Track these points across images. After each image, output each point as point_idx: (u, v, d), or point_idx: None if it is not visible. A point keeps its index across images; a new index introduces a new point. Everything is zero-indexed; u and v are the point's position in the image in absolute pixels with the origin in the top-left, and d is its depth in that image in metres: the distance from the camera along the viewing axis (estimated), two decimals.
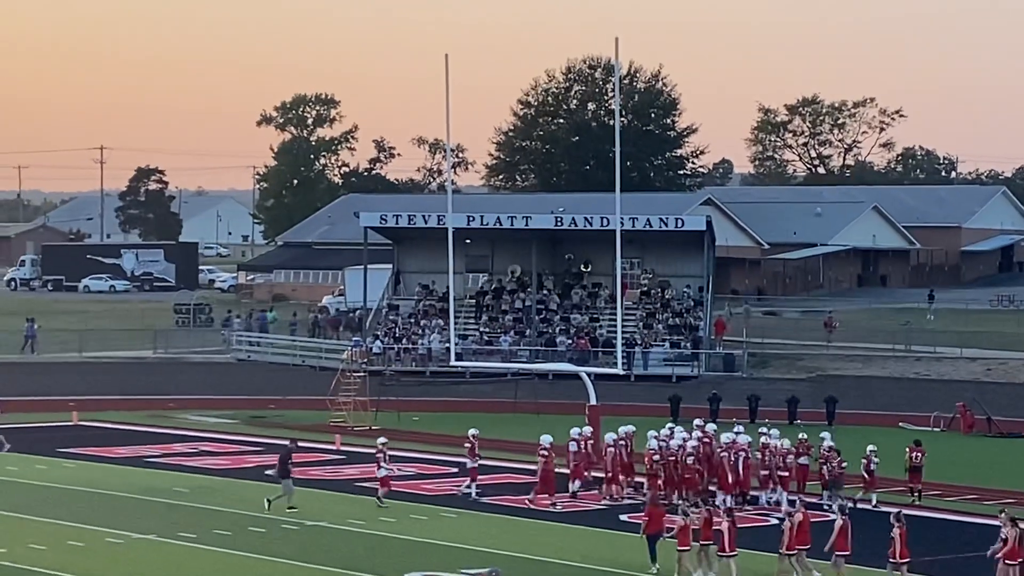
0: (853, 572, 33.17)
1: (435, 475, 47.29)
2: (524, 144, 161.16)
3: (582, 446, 44.06)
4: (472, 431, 43.98)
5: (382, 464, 42.16)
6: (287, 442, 44.10)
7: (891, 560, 32.36)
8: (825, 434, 43.98)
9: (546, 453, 42.26)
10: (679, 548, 32.70)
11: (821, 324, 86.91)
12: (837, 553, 32.41)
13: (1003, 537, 31.29)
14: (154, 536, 37.01)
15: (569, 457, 43.45)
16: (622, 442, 43.50)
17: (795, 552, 32.57)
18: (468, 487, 43.28)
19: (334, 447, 52.92)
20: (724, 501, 40.49)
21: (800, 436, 43.78)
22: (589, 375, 51.75)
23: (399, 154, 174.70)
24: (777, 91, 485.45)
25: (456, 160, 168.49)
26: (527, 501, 41.87)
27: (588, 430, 45.57)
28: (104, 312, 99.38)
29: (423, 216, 78.99)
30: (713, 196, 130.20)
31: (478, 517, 40.40)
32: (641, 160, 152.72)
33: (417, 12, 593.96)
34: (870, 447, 42.83)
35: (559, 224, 78.79)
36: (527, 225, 78.36)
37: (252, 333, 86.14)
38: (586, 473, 43.84)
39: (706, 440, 43.62)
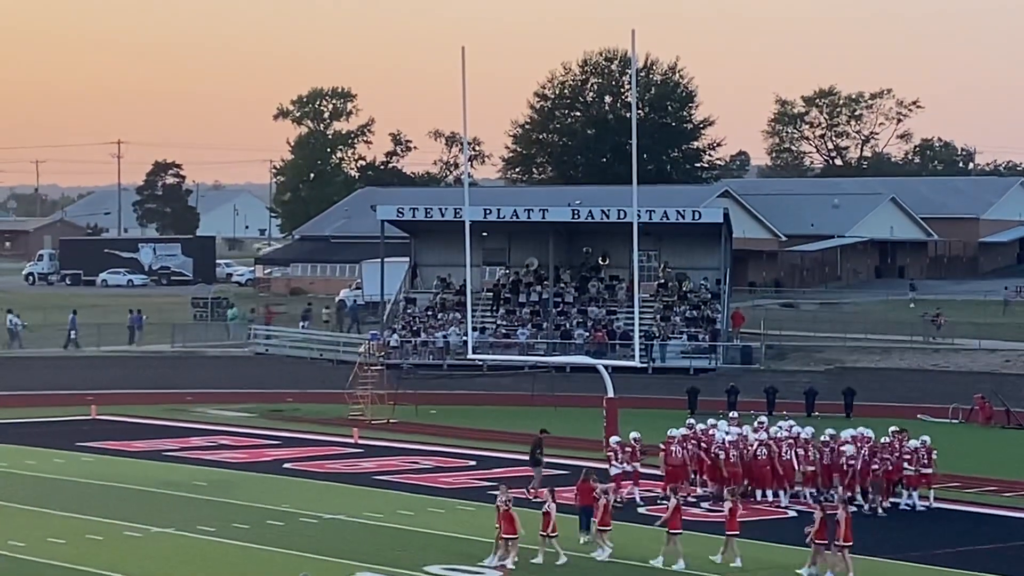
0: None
1: (453, 468, 47.26)
2: (541, 137, 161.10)
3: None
4: (634, 434, 42.28)
5: (613, 463, 41.05)
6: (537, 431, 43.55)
7: (728, 532, 33.67)
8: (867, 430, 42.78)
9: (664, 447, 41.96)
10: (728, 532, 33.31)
11: (843, 316, 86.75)
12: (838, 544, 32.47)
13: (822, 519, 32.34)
14: (173, 529, 37.04)
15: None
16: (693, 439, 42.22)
17: (608, 529, 34.38)
18: (630, 493, 41.38)
19: (352, 440, 52.91)
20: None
21: (884, 439, 41.43)
22: (607, 368, 51.68)
23: (415, 147, 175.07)
24: (794, 83, 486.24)
25: (473, 153, 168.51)
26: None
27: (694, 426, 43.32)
28: (122, 306, 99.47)
29: (440, 209, 79.05)
30: (730, 188, 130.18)
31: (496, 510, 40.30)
32: (658, 153, 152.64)
33: (433, 5, 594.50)
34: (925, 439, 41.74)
35: (576, 217, 78.79)
36: (544, 218, 78.40)
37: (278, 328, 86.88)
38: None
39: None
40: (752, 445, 41.48)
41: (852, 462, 40.28)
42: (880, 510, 39.90)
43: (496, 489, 34.79)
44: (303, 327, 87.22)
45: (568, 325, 76.77)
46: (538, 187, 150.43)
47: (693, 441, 41.96)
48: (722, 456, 41.27)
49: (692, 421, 43.81)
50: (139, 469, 46.60)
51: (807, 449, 41.19)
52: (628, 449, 41.59)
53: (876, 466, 40.26)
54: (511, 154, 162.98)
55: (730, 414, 46.16)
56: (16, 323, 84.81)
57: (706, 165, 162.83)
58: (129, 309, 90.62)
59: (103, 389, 66.63)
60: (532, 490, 40.34)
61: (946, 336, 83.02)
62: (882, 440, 41.17)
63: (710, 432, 42.28)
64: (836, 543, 32.13)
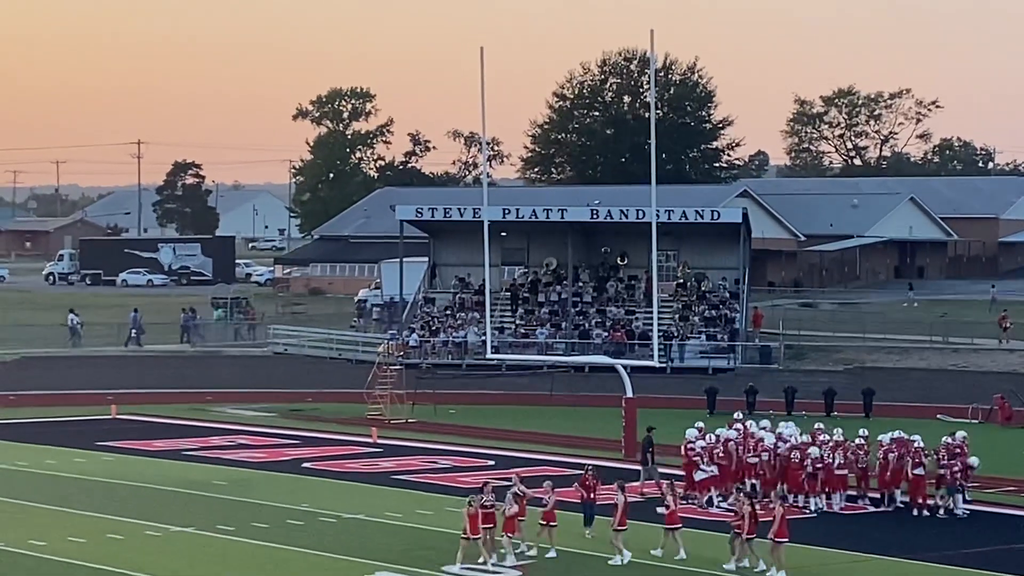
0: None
1: (471, 468, 47.32)
2: (560, 137, 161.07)
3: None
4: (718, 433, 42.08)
5: (701, 467, 40.60)
6: (646, 431, 43.60)
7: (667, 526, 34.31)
8: (916, 436, 42.59)
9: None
10: (747, 536, 33.13)
11: (862, 316, 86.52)
12: (776, 539, 32.72)
13: (740, 514, 32.98)
14: (193, 529, 37.17)
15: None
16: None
17: (555, 525, 34.82)
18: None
19: (371, 440, 53.01)
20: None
21: (916, 444, 41.32)
22: (625, 367, 51.70)
23: (434, 147, 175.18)
24: (813, 82, 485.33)
25: (491, 153, 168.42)
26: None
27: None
28: (142, 306, 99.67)
29: (459, 209, 79.13)
30: (749, 188, 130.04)
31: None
32: (677, 153, 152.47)
33: (452, 5, 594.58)
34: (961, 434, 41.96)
35: (595, 217, 78.80)
36: (563, 218, 78.43)
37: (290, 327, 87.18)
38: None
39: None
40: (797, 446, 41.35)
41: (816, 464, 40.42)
42: (957, 511, 40.13)
43: (512, 487, 35.02)
44: (357, 323, 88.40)
45: (587, 325, 76.79)
46: (557, 187, 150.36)
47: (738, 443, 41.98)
48: (765, 458, 41.02)
49: (701, 424, 43.56)
50: (159, 468, 46.75)
51: (855, 453, 41.19)
52: (719, 451, 41.18)
53: (957, 468, 40.43)
54: (530, 154, 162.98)
55: (735, 414, 45.91)
56: (76, 321, 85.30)
57: (725, 165, 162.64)
58: (182, 308, 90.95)
59: (123, 389, 66.82)
60: (661, 484, 40.40)
61: (965, 335, 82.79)
62: (945, 441, 41.42)
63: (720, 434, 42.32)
64: (771, 538, 32.35)
